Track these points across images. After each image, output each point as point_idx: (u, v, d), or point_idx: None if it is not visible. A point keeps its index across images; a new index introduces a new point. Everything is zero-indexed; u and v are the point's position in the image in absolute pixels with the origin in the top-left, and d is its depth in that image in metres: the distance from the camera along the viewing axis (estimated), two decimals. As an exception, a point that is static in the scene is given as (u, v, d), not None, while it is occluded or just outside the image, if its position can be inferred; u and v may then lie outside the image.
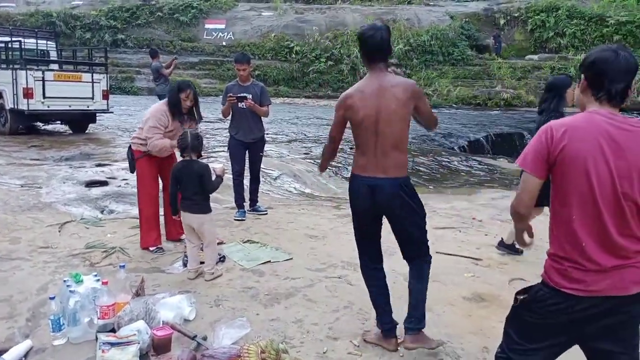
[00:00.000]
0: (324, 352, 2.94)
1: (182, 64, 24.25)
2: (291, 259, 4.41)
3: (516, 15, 26.30)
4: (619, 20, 23.45)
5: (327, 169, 8.77)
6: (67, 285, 3.13)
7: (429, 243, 3.06)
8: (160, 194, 4.74)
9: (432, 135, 12.52)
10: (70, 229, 5.11)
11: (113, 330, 2.96)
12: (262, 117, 5.83)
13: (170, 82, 9.85)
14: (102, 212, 5.89)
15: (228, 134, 5.98)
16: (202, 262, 4.02)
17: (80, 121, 11.76)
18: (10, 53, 10.98)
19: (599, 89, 1.89)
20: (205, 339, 2.99)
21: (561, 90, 4.32)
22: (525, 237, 2.15)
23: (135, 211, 5.85)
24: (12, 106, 10.39)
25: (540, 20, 25.41)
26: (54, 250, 4.51)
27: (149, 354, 2.84)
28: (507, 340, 2.08)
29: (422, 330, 3.01)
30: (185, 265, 4.11)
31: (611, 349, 1.91)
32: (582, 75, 1.95)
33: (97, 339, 2.88)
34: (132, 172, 4.76)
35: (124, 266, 3.38)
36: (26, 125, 11.26)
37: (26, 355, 2.86)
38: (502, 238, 4.84)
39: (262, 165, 6.29)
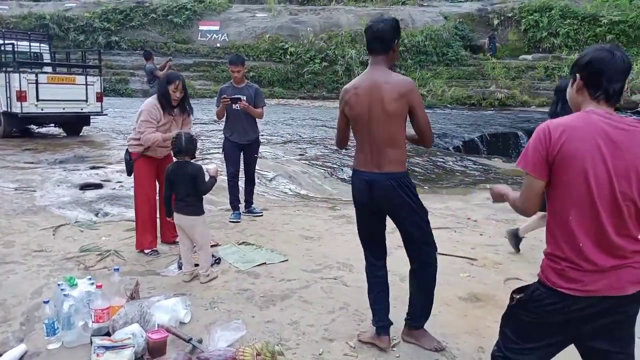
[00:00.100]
0: (319, 354, 2.94)
1: (176, 66, 24.16)
2: (286, 260, 4.40)
3: (510, 15, 26.40)
4: (612, 20, 23.58)
5: (324, 169, 8.84)
6: (62, 289, 3.12)
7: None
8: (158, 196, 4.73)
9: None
10: (64, 232, 5.09)
11: (108, 334, 2.94)
12: (256, 119, 5.82)
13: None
14: (96, 215, 5.87)
15: (222, 136, 5.98)
16: (196, 265, 4.01)
17: (74, 124, 11.72)
18: (3, 56, 10.93)
19: (597, 88, 1.88)
20: (200, 341, 2.98)
21: (566, 93, 4.35)
22: None
23: (130, 214, 5.85)
24: (6, 109, 10.35)
25: (533, 20, 25.51)
26: (48, 253, 4.49)
27: (144, 357, 2.83)
28: (504, 339, 2.08)
29: (421, 329, 3.02)
30: (180, 267, 4.10)
31: (607, 348, 1.92)
32: (577, 75, 1.94)
33: (91, 342, 2.88)
34: (129, 175, 4.74)
35: (118, 269, 3.36)
36: (20, 128, 11.22)
37: (21, 359, 2.84)
38: (518, 228, 4.80)
39: (257, 167, 6.28)
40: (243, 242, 4.84)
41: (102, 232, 5.11)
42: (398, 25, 2.90)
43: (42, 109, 10.37)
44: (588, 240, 1.85)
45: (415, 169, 9.81)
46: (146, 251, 4.53)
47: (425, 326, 3.08)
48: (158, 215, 4.73)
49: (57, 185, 6.78)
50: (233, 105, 5.56)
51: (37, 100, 10.18)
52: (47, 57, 12.23)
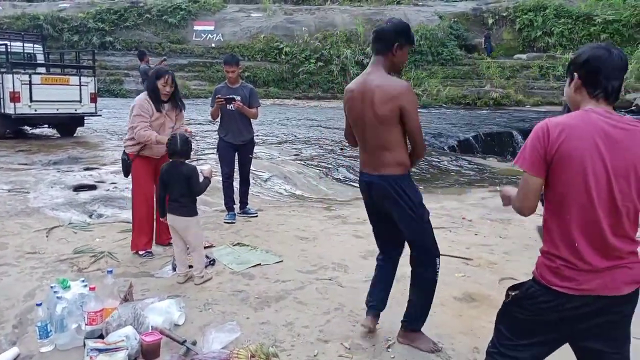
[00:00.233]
0: (314, 355, 2.92)
1: (171, 66, 24.06)
2: (281, 261, 4.39)
3: (504, 14, 26.46)
4: (606, 19, 23.68)
5: (319, 170, 8.83)
6: (54, 291, 3.10)
7: None
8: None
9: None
10: (58, 234, 5.06)
11: (101, 336, 2.92)
12: (251, 119, 5.81)
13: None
14: (90, 216, 5.84)
15: (217, 136, 5.96)
16: (191, 266, 3.99)
17: (68, 125, 11.66)
18: (-4, 57, 10.87)
19: (595, 86, 1.87)
20: (194, 343, 2.96)
21: None
22: None
23: (124, 215, 5.83)
24: (-1, 110, 10.28)
25: (528, 19, 25.58)
26: (41, 255, 4.46)
27: (137, 359, 2.82)
28: (498, 335, 2.08)
29: (418, 331, 3.01)
30: (174, 269, 4.08)
31: (602, 348, 1.92)
32: (575, 74, 1.92)
33: (85, 345, 2.85)
34: (126, 175, 4.72)
35: (111, 271, 3.34)
36: (13, 129, 11.15)
37: (13, 362, 2.82)
38: None
39: (252, 167, 6.27)
40: (238, 243, 4.82)
41: (96, 234, 5.08)
42: (404, 30, 2.80)
43: (35, 110, 10.31)
44: (584, 240, 1.84)
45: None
46: (140, 253, 4.51)
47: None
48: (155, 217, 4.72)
49: (51, 186, 6.74)
50: (227, 105, 5.55)
51: (31, 101, 10.12)
52: (40, 58, 12.16)
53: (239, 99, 5.54)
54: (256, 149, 6.85)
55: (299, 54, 25.75)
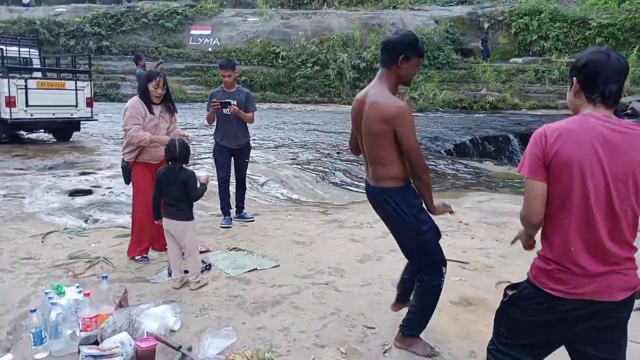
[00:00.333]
0: (310, 360, 2.92)
1: (167, 70, 24.10)
2: (278, 266, 4.38)
3: (500, 19, 26.53)
4: (601, 23, 23.75)
5: (316, 174, 8.83)
6: (49, 297, 3.08)
7: None
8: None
9: (418, 138, 12.54)
10: (53, 239, 5.04)
11: (96, 343, 2.91)
12: (247, 123, 5.80)
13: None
14: (86, 221, 5.82)
15: (213, 141, 5.95)
16: (186, 271, 3.97)
17: (64, 129, 11.62)
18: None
19: (593, 91, 1.88)
20: (190, 349, 2.95)
21: None
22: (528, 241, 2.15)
23: (120, 220, 5.82)
24: (-5, 115, 10.24)
25: (523, 23, 25.65)
26: (36, 261, 4.44)
27: (132, 366, 2.80)
28: (497, 334, 2.11)
29: (415, 336, 3.00)
30: (170, 274, 4.06)
31: (597, 353, 1.92)
32: (574, 79, 1.94)
33: (79, 351, 2.84)
34: (127, 183, 4.71)
35: (106, 277, 3.33)
36: (9, 134, 11.10)
37: (7, 369, 2.81)
38: None
39: (248, 172, 6.26)
40: (234, 248, 4.81)
41: (91, 239, 5.06)
42: (411, 41, 2.74)
43: (31, 115, 10.28)
44: (581, 244, 1.84)
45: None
46: (136, 258, 4.49)
47: (417, 331, 3.07)
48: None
49: (47, 191, 6.72)
50: (223, 109, 5.55)
51: (27, 105, 10.09)
52: (36, 63, 12.14)
53: (235, 103, 5.53)
54: (253, 153, 6.85)
55: (295, 58, 25.75)
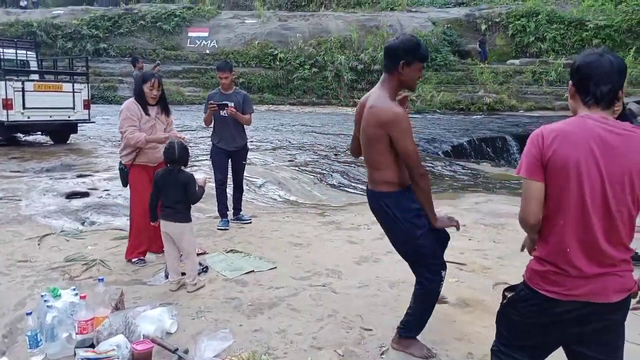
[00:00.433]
0: (307, 363, 2.91)
1: (165, 73, 24.09)
2: (275, 268, 4.37)
3: (497, 20, 26.59)
4: (598, 25, 23.83)
5: (313, 175, 8.83)
6: (45, 300, 3.07)
7: None
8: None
9: (416, 140, 12.56)
10: (50, 241, 5.03)
11: (92, 346, 2.89)
12: (244, 125, 5.80)
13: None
14: (83, 223, 5.81)
15: (211, 143, 5.95)
16: (183, 273, 3.96)
17: (61, 132, 11.61)
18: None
19: (586, 93, 1.88)
20: (186, 352, 2.94)
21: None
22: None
23: (117, 222, 5.80)
24: (-8, 118, 10.22)
25: (520, 25, 25.72)
26: (33, 264, 4.43)
27: (129, 368, 2.79)
28: (498, 335, 2.12)
29: (412, 338, 2.99)
30: (167, 276, 4.05)
31: (593, 354, 1.91)
32: (570, 82, 1.95)
33: (75, 354, 2.83)
34: (124, 185, 4.70)
35: (102, 279, 3.32)
36: (6, 136, 11.07)
37: (2, 373, 2.79)
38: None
39: (246, 173, 6.25)
40: (231, 250, 4.80)
41: (88, 242, 5.05)
42: (411, 46, 2.71)
43: (28, 117, 10.26)
44: (577, 246, 1.84)
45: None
46: (133, 260, 4.48)
47: (414, 333, 3.07)
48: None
49: (43, 194, 6.70)
50: (221, 111, 5.54)
51: (24, 108, 10.07)
52: (34, 65, 12.13)
53: (232, 104, 5.53)
54: (250, 154, 6.83)
55: (293, 60, 25.77)
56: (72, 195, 6.71)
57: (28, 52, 12.05)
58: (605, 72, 1.84)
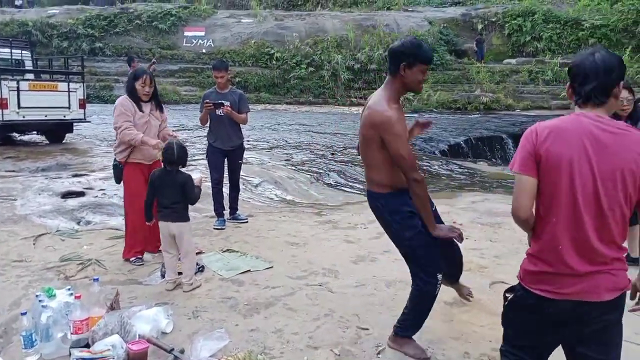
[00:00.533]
0: (304, 362, 2.90)
1: (161, 72, 24.05)
2: (271, 267, 4.36)
3: (493, 20, 26.61)
4: (594, 24, 23.86)
5: (310, 175, 8.81)
6: (40, 300, 3.06)
7: None
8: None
9: (412, 140, 12.56)
10: (45, 241, 5.00)
11: (87, 346, 2.88)
12: (241, 125, 5.78)
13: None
14: (78, 223, 5.78)
15: (207, 142, 5.93)
16: (180, 273, 3.95)
17: (56, 131, 11.55)
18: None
19: (576, 93, 1.91)
20: (182, 352, 2.92)
21: None
22: None
23: (113, 222, 5.78)
24: (-13, 117, 10.16)
25: (517, 24, 25.74)
26: (28, 263, 4.41)
27: (124, 368, 2.77)
28: (504, 336, 2.14)
29: (407, 337, 2.99)
30: (163, 276, 4.04)
31: (593, 355, 1.91)
32: (568, 82, 1.98)
33: (70, 354, 2.82)
34: (117, 182, 4.67)
35: (97, 279, 3.30)
36: (1, 136, 11.01)
37: (-4, 373, 2.78)
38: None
39: (242, 173, 6.23)
40: (227, 250, 4.78)
41: (83, 241, 5.02)
42: (412, 48, 2.69)
43: (23, 117, 10.20)
44: (569, 243, 1.85)
45: (402, 173, 9.80)
46: (131, 259, 4.46)
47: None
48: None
49: (39, 193, 6.67)
50: (216, 110, 5.52)
51: (19, 107, 10.01)
52: (29, 64, 12.06)
53: (228, 104, 5.51)
54: (247, 154, 6.82)
55: (290, 60, 25.75)
56: (67, 195, 6.67)
57: (23, 52, 11.98)
58: (590, 71, 1.86)
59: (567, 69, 1.97)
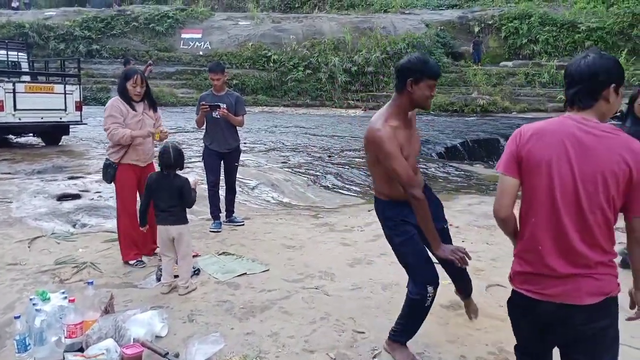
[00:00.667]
0: (299, 366, 2.88)
1: (158, 74, 24.04)
2: (267, 270, 4.34)
3: (490, 22, 26.67)
4: (590, 27, 23.95)
5: (307, 177, 8.80)
6: (34, 304, 3.03)
7: None
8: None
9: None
10: (40, 244, 4.97)
11: (81, 350, 2.86)
12: (237, 127, 5.77)
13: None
14: (74, 226, 5.75)
15: (203, 144, 5.91)
16: (176, 276, 3.93)
17: (53, 133, 11.53)
18: (-21, 65, 10.73)
19: (565, 95, 1.95)
20: (177, 356, 2.91)
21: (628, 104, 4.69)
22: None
23: (108, 224, 5.75)
24: (-18, 119, 10.13)
25: (513, 27, 25.81)
26: (22, 266, 4.38)
27: (118, 373, 2.76)
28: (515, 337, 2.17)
29: (400, 343, 2.97)
30: (158, 279, 4.02)
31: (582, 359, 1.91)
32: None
33: (64, 358, 2.80)
34: (109, 182, 4.61)
35: (92, 283, 3.28)
36: (-3, 138, 11.00)
37: (-11, 378, 2.75)
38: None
39: (239, 175, 6.22)
40: (223, 252, 4.77)
41: (79, 244, 5.00)
42: (417, 63, 2.67)
43: (19, 119, 10.17)
44: (550, 244, 1.87)
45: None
46: (131, 262, 4.44)
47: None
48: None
49: (34, 196, 6.64)
50: (213, 112, 5.51)
51: (15, 109, 9.97)
52: (25, 66, 12.03)
53: (224, 106, 5.50)
54: (243, 156, 6.80)
55: (287, 62, 25.76)
56: (63, 197, 6.64)
57: (19, 54, 11.95)
58: (574, 75, 1.89)
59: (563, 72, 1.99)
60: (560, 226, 1.84)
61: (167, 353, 2.89)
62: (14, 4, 32.05)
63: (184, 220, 3.91)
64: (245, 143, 11.38)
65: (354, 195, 8.08)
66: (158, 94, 21.85)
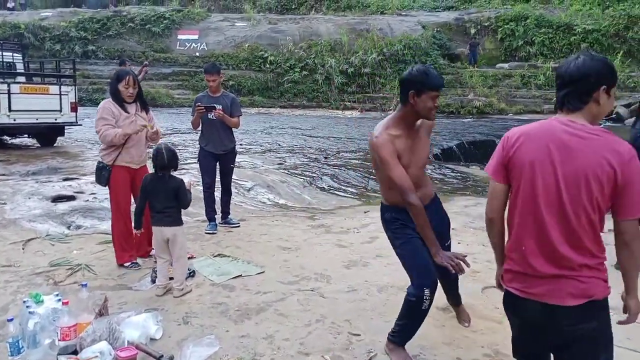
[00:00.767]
0: (295, 369, 2.87)
1: (155, 75, 23.99)
2: (263, 272, 4.33)
3: (486, 24, 26.74)
4: (586, 29, 24.04)
5: (303, 179, 8.79)
6: (27, 306, 3.02)
7: None
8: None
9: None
10: (34, 246, 4.95)
11: (75, 352, 2.84)
12: (233, 128, 5.76)
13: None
14: (68, 227, 5.72)
15: (198, 146, 5.90)
16: (171, 278, 3.91)
17: (48, 134, 11.48)
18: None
19: (556, 98, 1.96)
20: (171, 358, 2.89)
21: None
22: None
23: (103, 226, 5.72)
24: (-23, 120, 10.09)
25: (509, 29, 25.89)
26: (16, 269, 4.35)
27: (112, 376, 2.74)
28: None
29: (397, 344, 2.96)
30: (153, 281, 4.00)
31: None
32: None
33: (57, 362, 2.77)
34: (103, 185, 4.56)
35: (86, 285, 3.26)
36: (-8, 139, 10.97)
37: (-18, 381, 2.73)
38: None
39: (235, 177, 6.20)
40: (219, 254, 4.75)
41: (73, 246, 4.97)
42: (417, 76, 2.70)
43: (14, 120, 10.13)
44: (533, 245, 1.89)
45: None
46: (126, 264, 4.42)
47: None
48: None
49: (29, 197, 6.60)
50: (208, 114, 5.50)
51: (10, 110, 9.94)
52: (20, 67, 12.00)
53: (220, 107, 5.49)
54: (239, 157, 6.78)
55: (283, 63, 25.75)
56: (58, 199, 6.61)
57: (14, 54, 11.92)
58: (564, 77, 1.90)
59: None
60: (542, 228, 1.85)
61: (162, 356, 2.87)
62: (10, 5, 31.94)
63: (179, 222, 3.89)
64: (241, 144, 11.37)
65: (350, 197, 8.08)
66: (154, 95, 21.82)
